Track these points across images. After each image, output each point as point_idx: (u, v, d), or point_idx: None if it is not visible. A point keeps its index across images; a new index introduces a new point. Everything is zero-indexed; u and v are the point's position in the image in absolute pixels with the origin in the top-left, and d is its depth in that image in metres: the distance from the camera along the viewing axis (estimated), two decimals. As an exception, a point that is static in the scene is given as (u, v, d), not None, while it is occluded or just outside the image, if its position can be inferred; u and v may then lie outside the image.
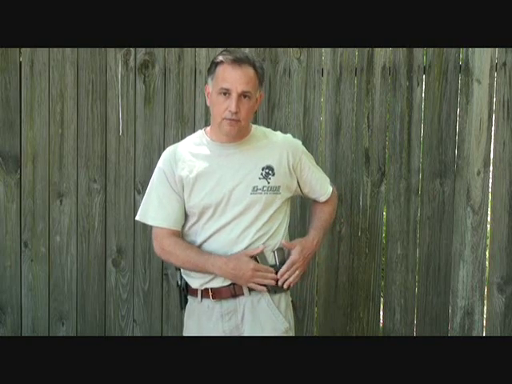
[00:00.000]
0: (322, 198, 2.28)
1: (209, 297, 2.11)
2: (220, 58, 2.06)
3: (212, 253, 2.08)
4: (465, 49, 2.80)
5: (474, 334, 2.88)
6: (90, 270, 2.92)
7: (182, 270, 2.19)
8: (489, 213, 2.88)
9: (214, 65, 2.07)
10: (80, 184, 2.89)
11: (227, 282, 2.09)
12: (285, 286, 2.10)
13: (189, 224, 2.15)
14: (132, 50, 2.85)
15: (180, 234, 2.16)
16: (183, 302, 2.22)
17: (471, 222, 2.84)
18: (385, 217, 2.93)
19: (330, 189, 2.29)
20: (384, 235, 2.92)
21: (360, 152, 2.86)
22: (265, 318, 2.11)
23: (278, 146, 2.15)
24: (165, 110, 2.86)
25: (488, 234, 2.89)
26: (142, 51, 2.85)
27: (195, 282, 2.14)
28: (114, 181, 2.89)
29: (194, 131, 2.82)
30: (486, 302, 2.88)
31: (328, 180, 2.32)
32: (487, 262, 2.89)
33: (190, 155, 2.12)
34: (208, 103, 2.13)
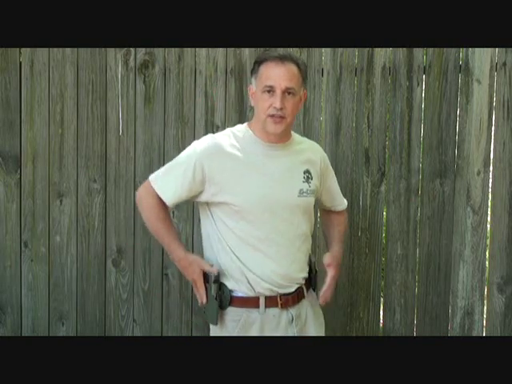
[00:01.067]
0: (340, 208, 2.37)
1: (276, 306, 2.08)
2: (263, 56, 2.08)
3: (176, 239, 2.15)
4: (465, 49, 2.80)
5: (474, 333, 2.88)
6: (90, 270, 2.92)
7: (225, 278, 2.10)
8: (489, 213, 2.88)
9: (257, 64, 2.08)
10: (80, 184, 2.89)
11: (294, 287, 2.12)
12: (323, 303, 2.17)
13: (232, 221, 2.07)
14: (132, 49, 2.85)
15: (168, 210, 2.18)
16: (218, 315, 2.09)
17: (471, 222, 2.84)
18: (385, 217, 2.93)
19: (346, 201, 2.39)
20: (384, 235, 2.92)
21: (360, 152, 2.86)
22: (318, 313, 2.23)
23: (314, 151, 2.22)
24: (165, 110, 2.86)
25: (488, 234, 2.89)
26: (142, 51, 2.85)
27: (262, 285, 2.07)
28: (114, 181, 2.89)
29: (194, 131, 2.85)
30: (486, 301, 2.88)
31: (344, 200, 2.40)
32: (487, 262, 2.89)
33: (233, 149, 2.07)
34: (252, 103, 2.14)
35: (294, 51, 2.81)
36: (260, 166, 2.07)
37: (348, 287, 2.91)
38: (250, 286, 2.07)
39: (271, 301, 2.08)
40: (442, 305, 2.89)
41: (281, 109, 2.01)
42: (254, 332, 2.08)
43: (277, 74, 2.02)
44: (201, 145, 2.11)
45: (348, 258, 2.89)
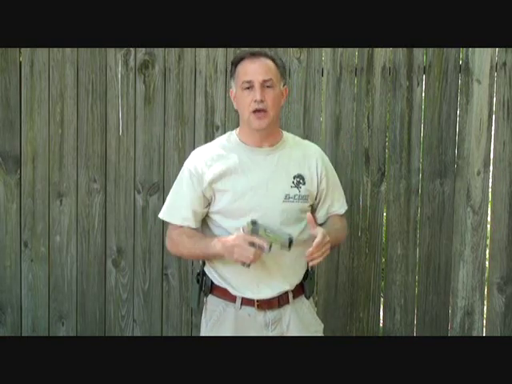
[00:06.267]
0: (332, 211, 2.22)
1: (253, 306, 2.07)
2: (238, 56, 2.11)
3: (205, 241, 2.06)
4: (465, 49, 2.80)
5: (474, 334, 2.88)
6: (90, 270, 2.92)
7: (211, 269, 2.12)
8: (489, 213, 2.88)
9: (234, 65, 2.10)
10: (80, 184, 2.89)
11: (276, 293, 2.07)
12: (311, 264, 1.98)
13: (215, 226, 2.10)
14: (132, 50, 2.85)
15: (197, 230, 2.12)
16: (200, 301, 2.14)
17: (471, 222, 2.84)
18: (385, 217, 2.92)
19: (343, 210, 2.24)
20: (384, 235, 2.92)
21: (360, 152, 2.86)
22: (308, 322, 2.17)
23: (310, 155, 2.15)
24: (165, 110, 2.86)
25: (488, 234, 2.89)
26: (141, 51, 2.85)
27: (239, 290, 2.07)
28: (114, 181, 2.89)
29: (194, 131, 2.85)
30: (485, 302, 2.88)
31: (345, 204, 2.26)
32: (487, 262, 2.89)
33: (220, 158, 2.08)
34: (235, 106, 2.13)
35: (293, 51, 2.83)
36: (244, 172, 2.05)
37: (348, 287, 2.90)
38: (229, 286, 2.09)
39: (248, 300, 2.07)
40: (441, 305, 2.89)
41: (261, 101, 2.01)
42: (228, 326, 2.08)
43: (253, 68, 2.04)
44: (190, 161, 2.13)
45: (348, 258, 2.89)
